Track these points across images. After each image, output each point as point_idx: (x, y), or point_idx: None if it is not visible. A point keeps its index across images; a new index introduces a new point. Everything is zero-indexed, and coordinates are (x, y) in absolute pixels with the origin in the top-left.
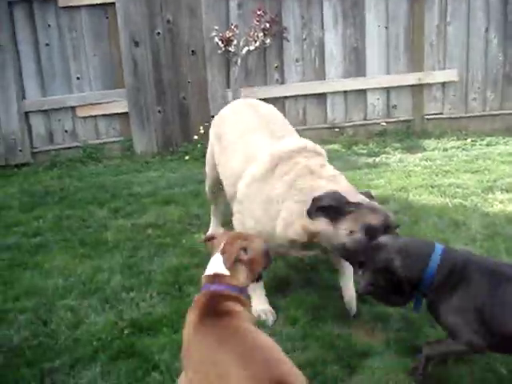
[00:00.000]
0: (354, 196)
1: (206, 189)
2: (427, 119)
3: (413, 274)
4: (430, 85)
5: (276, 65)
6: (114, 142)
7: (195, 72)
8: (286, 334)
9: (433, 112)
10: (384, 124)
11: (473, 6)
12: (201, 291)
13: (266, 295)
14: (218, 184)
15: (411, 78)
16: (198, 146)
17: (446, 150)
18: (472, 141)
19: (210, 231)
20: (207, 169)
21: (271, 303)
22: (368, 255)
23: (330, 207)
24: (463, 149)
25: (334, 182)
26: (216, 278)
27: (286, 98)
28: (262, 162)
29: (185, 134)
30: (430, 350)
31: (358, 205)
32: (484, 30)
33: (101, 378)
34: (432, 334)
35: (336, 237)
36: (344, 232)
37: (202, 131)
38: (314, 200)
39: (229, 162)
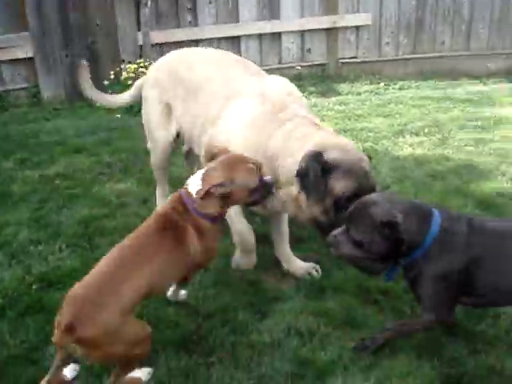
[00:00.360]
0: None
1: (154, 162)
2: (341, 63)
3: (415, 237)
4: (344, 28)
5: (189, 6)
6: (20, 89)
7: (104, 14)
8: (198, 281)
9: (347, 56)
10: (299, 68)
11: None
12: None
13: None
14: (170, 151)
15: (326, 22)
16: (109, 91)
17: (359, 94)
18: (385, 85)
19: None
20: (156, 134)
21: None
22: (361, 213)
23: (309, 181)
24: (376, 93)
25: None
26: (189, 195)
27: (199, 41)
28: (253, 105)
29: (94, 80)
30: (395, 331)
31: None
32: None
33: (9, 335)
34: (340, 275)
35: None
36: (318, 211)
37: (112, 76)
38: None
39: (202, 106)
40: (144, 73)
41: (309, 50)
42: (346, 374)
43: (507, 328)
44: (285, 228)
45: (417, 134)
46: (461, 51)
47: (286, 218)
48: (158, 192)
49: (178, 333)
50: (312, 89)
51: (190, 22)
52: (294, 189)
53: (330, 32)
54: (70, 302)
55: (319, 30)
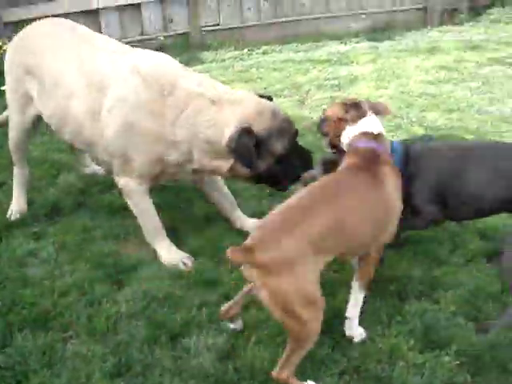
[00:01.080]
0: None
1: (11, 143)
2: (204, 31)
3: None
4: None
5: None
6: None
7: None
8: (53, 259)
9: (209, 23)
10: (162, 38)
11: None
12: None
13: (35, 224)
14: (30, 131)
15: None
16: None
17: (223, 60)
18: (249, 50)
19: (17, 204)
20: (13, 118)
21: (38, 232)
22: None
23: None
24: (240, 59)
25: (236, 104)
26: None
27: (55, 17)
28: (131, 86)
29: None
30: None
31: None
32: None
33: None
34: (197, 241)
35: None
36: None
37: None
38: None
39: (68, 101)
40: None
41: (171, 20)
42: (199, 333)
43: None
44: (228, 193)
45: (277, 96)
46: (321, 13)
47: (222, 182)
48: (16, 174)
49: (34, 312)
50: (176, 59)
51: None
52: (224, 163)
53: (191, 0)
54: (260, 228)
55: None
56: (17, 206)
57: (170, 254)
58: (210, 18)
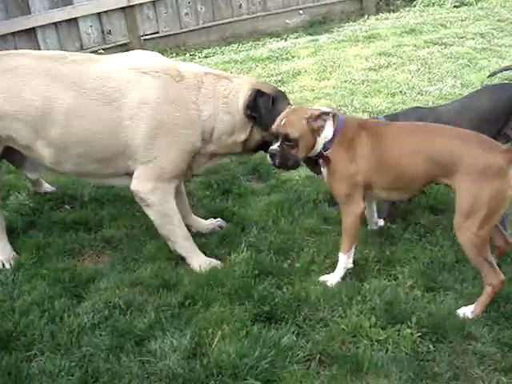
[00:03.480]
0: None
1: None
2: (144, 40)
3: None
4: (140, 5)
5: None
6: None
7: None
8: (11, 280)
9: (148, 32)
10: (102, 51)
11: None
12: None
13: None
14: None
15: (120, 0)
16: None
17: None
18: (191, 55)
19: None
20: None
21: None
22: None
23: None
24: None
25: (239, 78)
26: None
27: None
28: (146, 86)
29: None
30: None
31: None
32: None
33: None
34: (153, 245)
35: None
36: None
37: None
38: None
39: (70, 126)
40: None
41: (109, 32)
42: (164, 335)
43: (310, 259)
44: (185, 198)
45: None
46: (259, 12)
47: (183, 187)
48: None
49: None
50: None
51: None
52: (242, 133)
53: (128, 10)
54: None
55: (116, 9)
56: (4, 255)
57: (201, 261)
58: (149, 26)
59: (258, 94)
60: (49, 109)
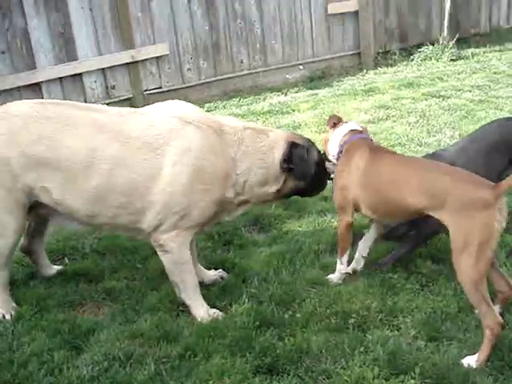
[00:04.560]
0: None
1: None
2: (147, 94)
3: None
4: (144, 61)
5: None
6: None
7: None
8: (11, 332)
9: (152, 87)
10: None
11: None
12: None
13: None
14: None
15: (125, 57)
16: None
17: None
18: None
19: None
20: (7, 218)
21: None
22: None
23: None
24: None
25: (272, 131)
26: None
27: None
28: (189, 135)
29: None
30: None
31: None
32: (187, 2)
33: None
34: (154, 295)
35: None
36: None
37: None
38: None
39: (111, 175)
40: None
41: (113, 87)
42: None
43: (312, 310)
44: (195, 247)
45: None
46: (259, 67)
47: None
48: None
49: None
50: None
51: None
52: (274, 184)
53: (131, 66)
54: None
55: (120, 65)
56: (5, 308)
57: (205, 311)
58: (152, 81)
59: (293, 146)
60: (92, 158)
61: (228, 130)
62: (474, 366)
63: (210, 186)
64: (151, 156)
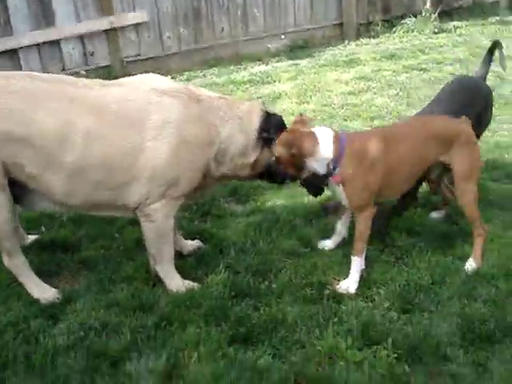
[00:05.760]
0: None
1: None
2: (127, 62)
3: None
4: (123, 28)
5: None
6: None
7: None
8: None
9: (131, 55)
10: (84, 72)
11: None
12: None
13: None
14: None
15: (103, 23)
16: None
17: None
18: (172, 77)
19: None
20: None
21: None
22: None
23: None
24: None
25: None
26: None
27: None
28: (168, 106)
29: None
30: None
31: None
32: None
33: None
34: (130, 266)
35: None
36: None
37: None
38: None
39: (88, 149)
40: None
41: (92, 54)
42: (139, 357)
43: (288, 281)
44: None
45: None
46: (240, 36)
47: None
48: (20, 265)
49: None
50: None
51: None
52: (252, 155)
53: (110, 33)
54: None
55: (98, 32)
56: (48, 293)
57: (177, 281)
58: (131, 49)
59: (269, 114)
60: (67, 132)
61: (205, 98)
62: (475, 267)
63: (195, 154)
64: (130, 131)
